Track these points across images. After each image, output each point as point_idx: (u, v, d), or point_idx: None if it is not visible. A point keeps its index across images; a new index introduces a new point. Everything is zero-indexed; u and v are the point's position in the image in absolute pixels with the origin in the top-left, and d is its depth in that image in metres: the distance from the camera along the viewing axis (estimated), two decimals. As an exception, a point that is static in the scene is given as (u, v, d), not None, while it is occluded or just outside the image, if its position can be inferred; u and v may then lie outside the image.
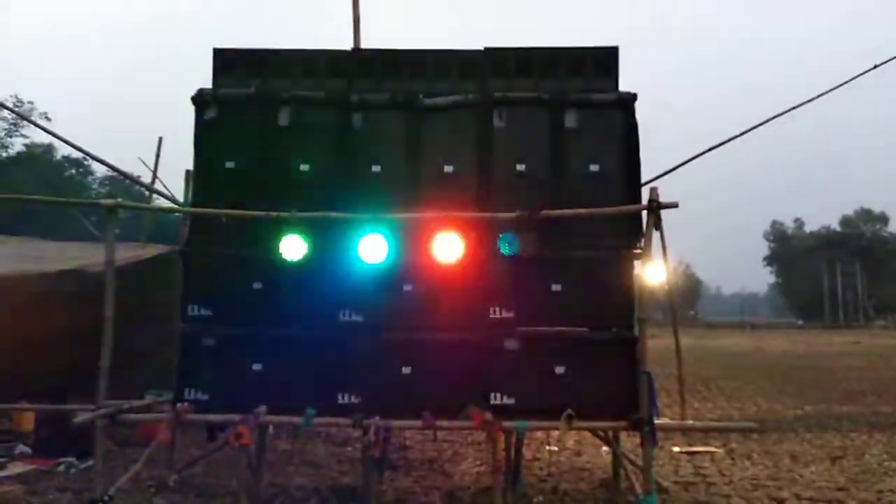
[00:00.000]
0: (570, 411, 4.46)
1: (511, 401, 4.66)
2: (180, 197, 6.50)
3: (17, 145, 38.68)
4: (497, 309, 4.79)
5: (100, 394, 4.64)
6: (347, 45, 5.79)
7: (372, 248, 4.78)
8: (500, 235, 4.78)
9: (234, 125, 5.13)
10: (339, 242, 4.83)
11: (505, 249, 4.76)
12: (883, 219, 69.40)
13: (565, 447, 7.30)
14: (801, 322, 62.69)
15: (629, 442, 5.94)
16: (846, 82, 6.38)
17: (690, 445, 7.34)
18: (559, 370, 4.70)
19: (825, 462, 6.70)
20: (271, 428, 5.78)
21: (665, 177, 5.78)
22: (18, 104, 34.22)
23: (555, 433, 7.35)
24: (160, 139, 9.61)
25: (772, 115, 6.26)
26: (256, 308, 4.88)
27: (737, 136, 6.20)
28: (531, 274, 4.82)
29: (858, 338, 33.90)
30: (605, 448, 6.55)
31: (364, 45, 5.94)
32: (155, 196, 8.58)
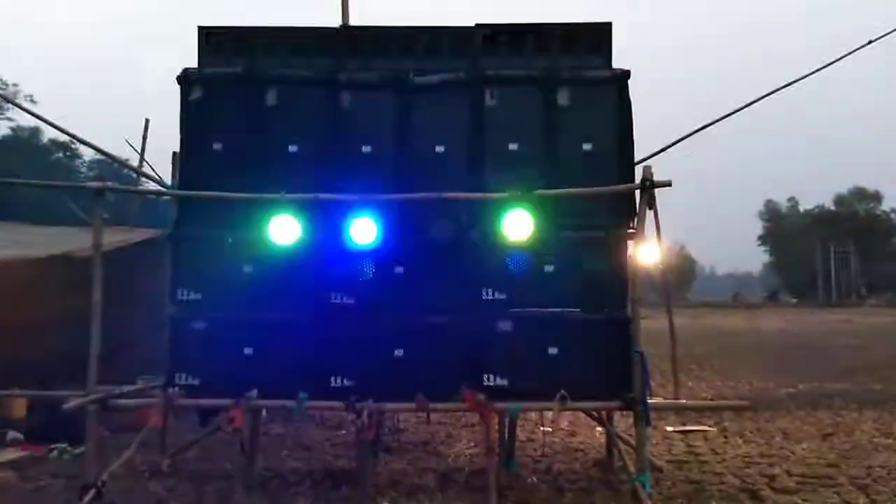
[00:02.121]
0: (563, 392, 4.45)
1: (504, 382, 4.65)
2: (168, 180, 6.41)
3: (2, 129, 38.31)
4: (490, 290, 4.76)
5: (90, 379, 4.61)
6: (336, 21, 5.69)
7: (362, 230, 4.72)
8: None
9: (220, 105, 5.04)
10: (330, 224, 4.77)
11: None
12: (877, 197, 69.57)
13: (559, 428, 7.32)
14: (794, 300, 63.04)
15: (623, 422, 5.97)
16: (839, 59, 6.33)
17: (684, 424, 7.37)
18: (552, 351, 4.68)
19: (816, 439, 6.75)
20: (264, 412, 5.77)
21: (659, 155, 5.74)
22: (3, 87, 33.72)
23: (548, 414, 7.39)
24: (147, 121, 9.50)
25: (764, 92, 6.22)
26: (247, 291, 4.83)
27: (730, 114, 6.15)
28: (524, 255, 4.78)
29: (851, 316, 34.11)
30: (598, 428, 6.58)
31: (353, 21, 5.84)
32: (143, 179, 8.45)
